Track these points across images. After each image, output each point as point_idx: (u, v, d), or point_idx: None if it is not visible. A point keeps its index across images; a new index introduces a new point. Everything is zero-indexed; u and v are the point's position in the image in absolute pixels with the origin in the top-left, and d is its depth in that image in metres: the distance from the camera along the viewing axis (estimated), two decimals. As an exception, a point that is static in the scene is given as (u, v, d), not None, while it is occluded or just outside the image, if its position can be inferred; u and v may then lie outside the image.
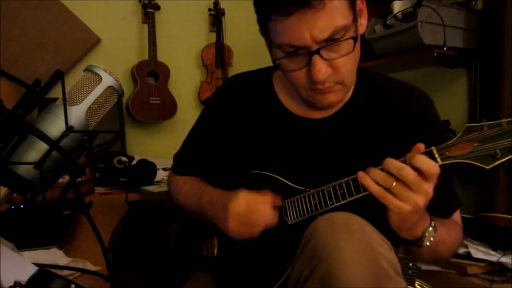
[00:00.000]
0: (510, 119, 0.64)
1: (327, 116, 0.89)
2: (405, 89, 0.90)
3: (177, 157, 1.10)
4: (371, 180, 0.68)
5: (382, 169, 0.68)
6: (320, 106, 0.83)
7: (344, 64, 0.76)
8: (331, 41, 0.72)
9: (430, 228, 0.74)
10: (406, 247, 0.81)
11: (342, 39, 0.73)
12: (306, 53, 0.74)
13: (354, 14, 0.75)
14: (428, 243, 0.74)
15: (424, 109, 0.88)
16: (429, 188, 0.66)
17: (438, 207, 0.74)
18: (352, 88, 0.89)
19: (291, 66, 0.78)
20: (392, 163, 0.67)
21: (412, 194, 0.65)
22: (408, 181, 0.65)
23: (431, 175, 0.65)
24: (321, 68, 0.74)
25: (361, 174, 0.70)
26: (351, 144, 0.87)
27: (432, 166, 0.65)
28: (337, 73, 0.77)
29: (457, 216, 0.90)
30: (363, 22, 0.82)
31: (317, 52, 0.73)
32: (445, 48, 1.66)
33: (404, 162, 0.68)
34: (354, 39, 0.74)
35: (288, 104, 0.92)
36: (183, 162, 1.08)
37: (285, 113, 0.92)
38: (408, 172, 0.65)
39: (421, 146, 0.69)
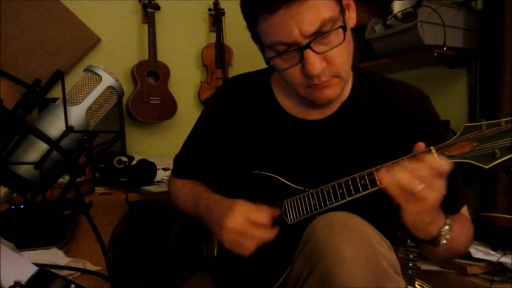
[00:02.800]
0: (509, 118, 0.64)
1: (325, 117, 0.89)
2: (402, 88, 0.90)
3: (176, 160, 1.10)
4: (391, 176, 0.67)
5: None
6: (320, 103, 0.83)
7: (337, 56, 0.76)
8: (320, 34, 0.73)
9: (446, 227, 0.74)
10: (423, 246, 0.81)
11: (331, 30, 0.73)
12: (298, 49, 0.74)
13: (340, 5, 0.76)
14: (444, 241, 0.74)
15: (423, 107, 0.88)
16: (442, 185, 0.66)
17: (447, 204, 0.74)
18: (349, 87, 0.89)
19: (284, 65, 0.78)
20: (408, 164, 0.66)
21: (427, 193, 0.65)
22: (425, 180, 0.65)
23: (444, 173, 0.65)
24: (314, 62, 0.74)
25: (381, 174, 0.68)
26: (350, 144, 0.87)
27: (445, 164, 0.65)
28: (332, 66, 0.77)
29: (464, 210, 0.91)
30: (352, 16, 0.83)
31: (308, 46, 0.73)
32: (445, 48, 1.66)
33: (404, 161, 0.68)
34: (343, 28, 0.75)
35: (286, 105, 0.92)
36: (183, 165, 1.08)
37: (283, 115, 0.92)
38: (425, 172, 0.65)
39: (422, 145, 0.70)
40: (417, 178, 0.65)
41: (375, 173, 0.71)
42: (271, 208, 0.81)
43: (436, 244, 0.75)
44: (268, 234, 0.78)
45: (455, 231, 0.76)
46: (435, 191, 0.66)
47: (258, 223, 0.78)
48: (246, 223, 0.77)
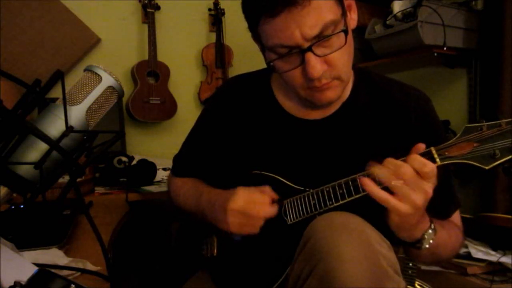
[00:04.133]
0: (509, 119, 0.64)
1: (325, 117, 0.89)
2: (403, 89, 0.90)
3: (176, 159, 1.10)
4: (373, 184, 0.67)
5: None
6: (320, 104, 0.83)
7: (338, 58, 0.76)
8: (322, 37, 0.73)
9: (430, 231, 0.73)
10: (406, 248, 0.81)
11: (332, 34, 0.73)
12: (299, 52, 0.74)
13: (342, 8, 0.76)
14: (427, 246, 0.73)
15: (423, 109, 0.88)
16: (428, 187, 0.66)
17: (437, 208, 0.74)
18: (350, 87, 0.89)
19: (285, 67, 0.78)
20: (391, 161, 0.67)
21: (411, 193, 0.65)
22: (407, 179, 0.65)
23: (426, 174, 0.65)
24: (315, 65, 0.74)
25: (364, 180, 0.68)
26: (350, 144, 0.87)
27: (424, 165, 0.65)
28: (332, 68, 0.77)
29: (457, 217, 0.90)
30: (353, 17, 0.82)
31: (309, 49, 0.73)
32: (445, 48, 1.66)
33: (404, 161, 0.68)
34: (345, 32, 0.74)
35: (286, 105, 0.92)
36: (183, 164, 1.08)
37: (283, 114, 0.92)
38: (406, 170, 0.65)
39: (421, 146, 0.69)
40: (401, 177, 0.65)
41: None
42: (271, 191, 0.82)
43: (419, 247, 0.74)
44: (271, 210, 0.79)
45: (440, 236, 0.75)
46: (421, 194, 0.65)
47: (260, 202, 0.79)
48: (248, 203, 0.78)
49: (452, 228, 0.85)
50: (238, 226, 0.80)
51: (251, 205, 0.78)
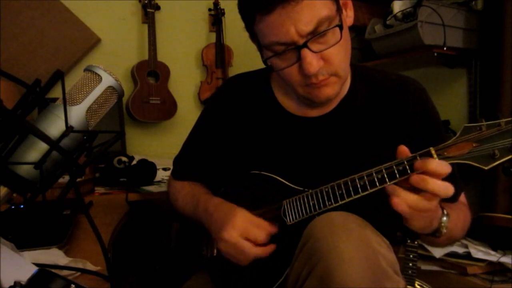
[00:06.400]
0: (508, 119, 0.64)
1: (324, 114, 0.89)
2: (401, 83, 0.90)
3: (176, 161, 1.10)
4: (406, 205, 0.65)
5: (404, 186, 0.67)
6: (319, 101, 0.83)
7: (334, 54, 0.77)
8: (317, 33, 0.73)
9: (444, 218, 0.75)
10: (424, 237, 0.82)
11: (327, 29, 0.74)
12: (295, 49, 0.74)
13: (337, 5, 0.77)
14: (445, 231, 0.75)
15: (421, 102, 0.88)
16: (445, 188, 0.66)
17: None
18: (348, 84, 0.90)
19: (282, 65, 0.79)
20: (428, 180, 0.64)
21: (429, 204, 0.65)
22: (436, 193, 0.64)
23: (443, 176, 0.65)
24: (311, 61, 0.74)
25: (396, 201, 0.65)
26: (350, 141, 0.87)
27: (447, 168, 0.65)
28: (329, 65, 0.77)
29: (462, 197, 0.92)
30: (349, 14, 0.83)
31: (304, 45, 0.73)
32: (445, 48, 1.66)
33: (403, 163, 0.68)
34: (340, 27, 0.75)
35: (286, 104, 0.93)
36: (183, 166, 1.08)
37: (283, 113, 0.92)
38: (440, 186, 0.64)
39: (405, 149, 0.69)
40: (433, 192, 0.64)
41: (374, 174, 0.71)
42: (270, 224, 0.81)
43: (438, 236, 0.76)
44: (263, 252, 0.79)
45: (452, 219, 0.77)
46: (439, 197, 0.66)
47: (253, 239, 0.78)
48: (242, 238, 0.78)
49: (459, 208, 0.87)
50: (227, 255, 0.81)
51: (243, 243, 0.78)
